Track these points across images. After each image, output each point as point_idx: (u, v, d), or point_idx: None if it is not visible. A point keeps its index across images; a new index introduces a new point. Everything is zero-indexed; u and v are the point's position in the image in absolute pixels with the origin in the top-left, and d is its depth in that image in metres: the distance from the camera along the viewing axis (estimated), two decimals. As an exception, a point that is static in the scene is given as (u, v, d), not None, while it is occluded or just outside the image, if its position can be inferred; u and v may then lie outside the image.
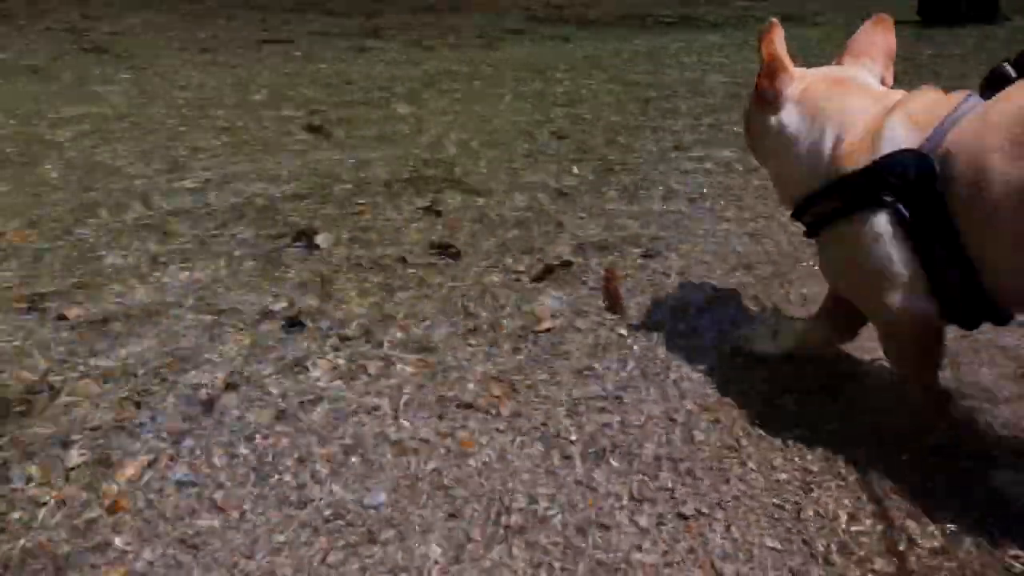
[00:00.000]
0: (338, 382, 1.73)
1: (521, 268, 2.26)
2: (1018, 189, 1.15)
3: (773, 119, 1.50)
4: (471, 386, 1.72)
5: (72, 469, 1.45)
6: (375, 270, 2.25)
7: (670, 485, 1.44)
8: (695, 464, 1.49)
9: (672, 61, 5.31)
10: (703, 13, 8.03)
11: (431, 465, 1.48)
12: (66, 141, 3.28)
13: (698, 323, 1.99)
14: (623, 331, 1.94)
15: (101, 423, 1.57)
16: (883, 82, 1.52)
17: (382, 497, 1.40)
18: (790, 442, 1.54)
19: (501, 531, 1.33)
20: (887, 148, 1.29)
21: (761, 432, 1.57)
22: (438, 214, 2.64)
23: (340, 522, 1.34)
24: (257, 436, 1.55)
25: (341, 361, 1.80)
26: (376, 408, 1.64)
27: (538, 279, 2.20)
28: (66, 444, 1.51)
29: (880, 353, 1.61)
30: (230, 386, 1.70)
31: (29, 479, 1.42)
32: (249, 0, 7.71)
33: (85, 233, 2.43)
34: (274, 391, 1.69)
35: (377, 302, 2.07)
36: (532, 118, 3.82)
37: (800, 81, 1.49)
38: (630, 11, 7.99)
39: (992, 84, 1.26)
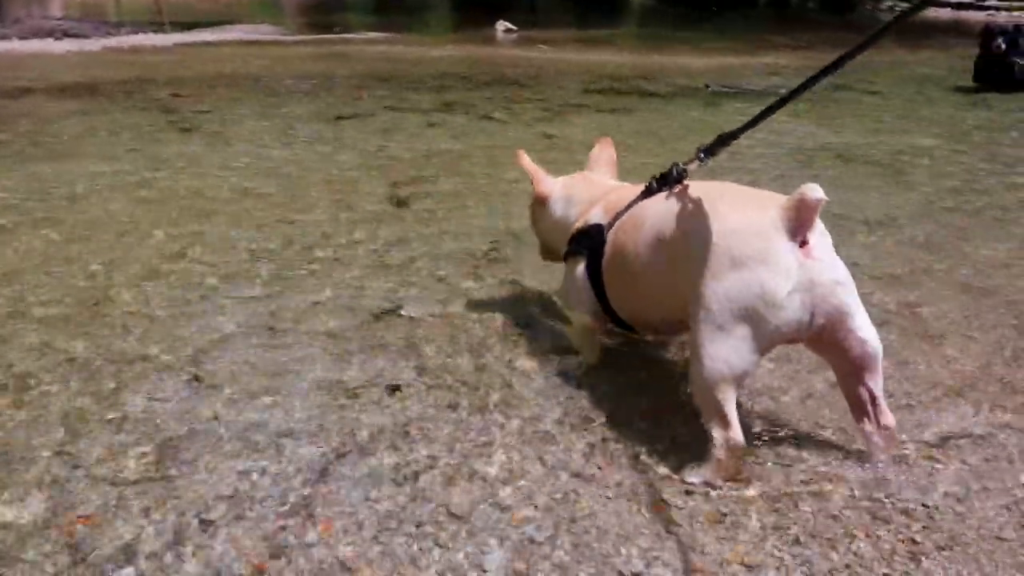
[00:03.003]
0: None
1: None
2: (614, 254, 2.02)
3: (546, 207, 2.37)
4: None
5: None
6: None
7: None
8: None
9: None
10: (767, 86, 8.20)
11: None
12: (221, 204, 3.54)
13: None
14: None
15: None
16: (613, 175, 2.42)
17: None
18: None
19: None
20: (592, 221, 2.12)
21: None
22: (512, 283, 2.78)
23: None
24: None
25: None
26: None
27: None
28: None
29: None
30: (340, 455, 1.82)
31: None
32: (332, 81, 8.16)
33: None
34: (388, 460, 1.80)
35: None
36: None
37: (556, 183, 2.36)
38: (689, 83, 8.22)
39: (662, 181, 1.98)
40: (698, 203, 1.80)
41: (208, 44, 12.02)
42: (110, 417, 1.94)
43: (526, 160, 2.39)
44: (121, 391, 2.06)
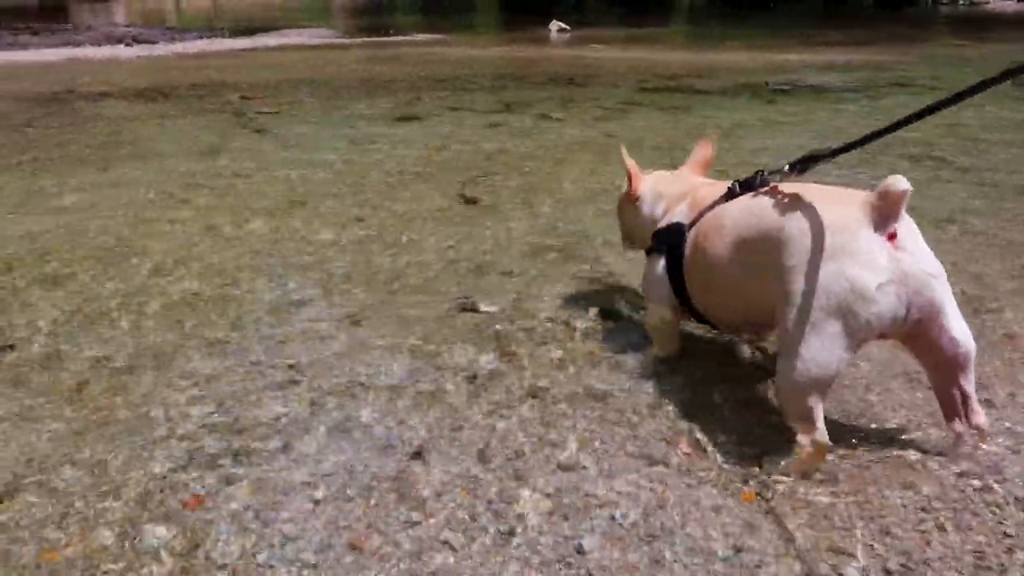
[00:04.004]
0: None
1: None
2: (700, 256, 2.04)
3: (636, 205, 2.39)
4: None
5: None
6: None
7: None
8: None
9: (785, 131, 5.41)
10: (825, 83, 8.09)
11: (638, 514, 1.61)
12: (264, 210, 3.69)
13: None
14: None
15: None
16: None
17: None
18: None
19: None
20: (676, 219, 2.17)
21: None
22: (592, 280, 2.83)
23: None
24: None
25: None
26: (577, 460, 1.79)
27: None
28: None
29: None
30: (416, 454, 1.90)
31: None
32: (390, 83, 8.32)
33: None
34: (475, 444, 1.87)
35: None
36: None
37: (646, 180, 2.39)
38: (744, 80, 8.15)
39: (745, 186, 1.99)
40: (781, 202, 1.82)
41: (269, 49, 12.34)
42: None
43: (627, 157, 2.40)
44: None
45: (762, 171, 1.99)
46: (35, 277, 2.93)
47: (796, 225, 1.72)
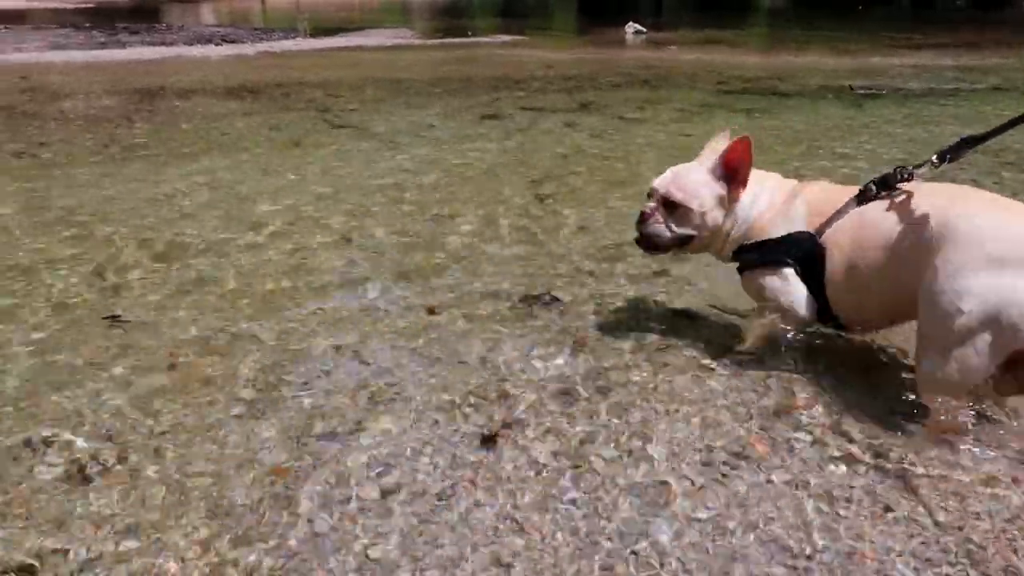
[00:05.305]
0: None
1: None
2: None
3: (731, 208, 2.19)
4: (736, 438, 1.86)
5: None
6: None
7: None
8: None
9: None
10: (913, 87, 7.84)
11: (713, 506, 1.62)
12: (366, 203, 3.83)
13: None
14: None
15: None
16: None
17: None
18: None
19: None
20: (796, 227, 2.09)
21: None
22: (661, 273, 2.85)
23: (640, 547, 1.52)
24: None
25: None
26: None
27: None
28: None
29: None
30: (506, 425, 1.95)
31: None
32: (469, 83, 8.47)
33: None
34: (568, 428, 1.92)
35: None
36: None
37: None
38: (826, 83, 7.96)
39: (883, 184, 1.94)
40: (941, 205, 1.80)
41: (352, 49, 12.69)
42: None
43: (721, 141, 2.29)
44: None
45: (903, 167, 1.95)
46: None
47: (969, 228, 1.71)
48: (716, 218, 2.17)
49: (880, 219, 1.93)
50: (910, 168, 1.96)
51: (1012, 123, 1.82)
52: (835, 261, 2.01)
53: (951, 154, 1.93)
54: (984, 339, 1.65)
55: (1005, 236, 1.68)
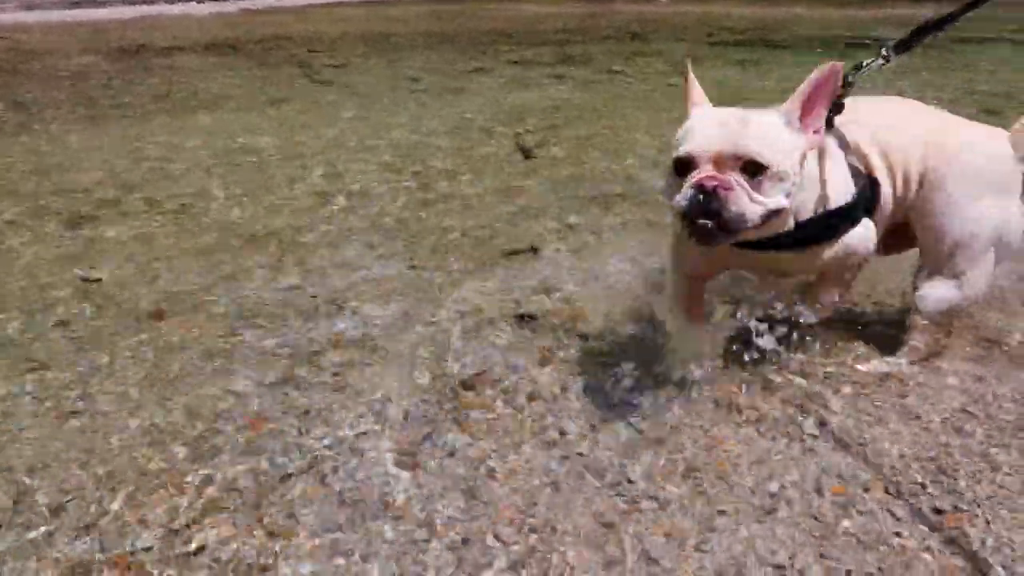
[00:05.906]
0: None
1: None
2: None
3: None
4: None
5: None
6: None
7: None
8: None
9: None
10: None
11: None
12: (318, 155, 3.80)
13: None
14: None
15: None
16: None
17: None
18: None
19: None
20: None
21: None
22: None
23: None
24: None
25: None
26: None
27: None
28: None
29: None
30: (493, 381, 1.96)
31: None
32: (451, 36, 8.33)
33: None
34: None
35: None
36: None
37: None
38: (819, 34, 7.86)
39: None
40: (941, 127, 1.85)
41: (336, 4, 12.45)
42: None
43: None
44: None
45: (860, 63, 1.80)
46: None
47: (973, 155, 1.80)
48: (798, 182, 1.58)
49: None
50: (866, 64, 1.81)
51: (969, 6, 1.83)
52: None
53: (907, 45, 1.85)
54: (992, 260, 1.80)
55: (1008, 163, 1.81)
